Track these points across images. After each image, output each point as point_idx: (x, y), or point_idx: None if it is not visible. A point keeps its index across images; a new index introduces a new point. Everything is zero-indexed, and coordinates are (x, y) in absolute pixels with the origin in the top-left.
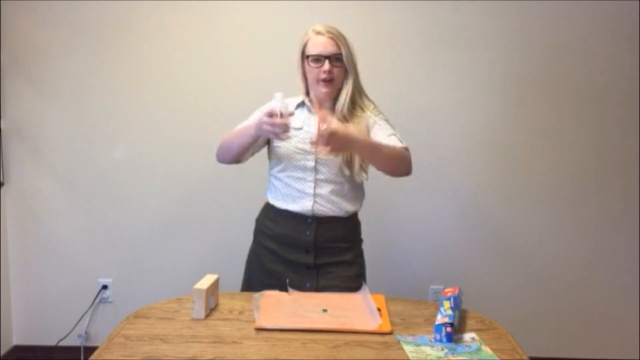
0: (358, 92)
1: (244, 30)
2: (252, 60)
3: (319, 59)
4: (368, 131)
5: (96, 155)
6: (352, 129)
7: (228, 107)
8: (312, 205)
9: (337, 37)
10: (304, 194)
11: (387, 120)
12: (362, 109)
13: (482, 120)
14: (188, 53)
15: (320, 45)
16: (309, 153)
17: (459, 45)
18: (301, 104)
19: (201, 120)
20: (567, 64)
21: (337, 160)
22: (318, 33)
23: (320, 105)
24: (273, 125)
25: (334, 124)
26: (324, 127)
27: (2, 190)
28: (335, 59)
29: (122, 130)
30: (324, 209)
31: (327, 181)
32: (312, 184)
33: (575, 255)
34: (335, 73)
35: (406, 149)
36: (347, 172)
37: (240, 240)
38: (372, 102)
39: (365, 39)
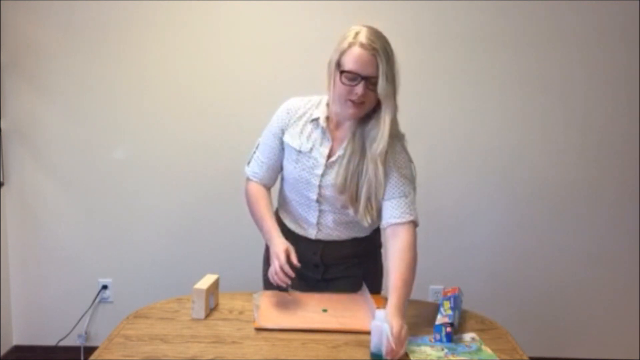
0: (395, 127)
1: (246, 30)
2: (254, 61)
3: (354, 77)
4: (387, 170)
5: (96, 155)
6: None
7: (228, 107)
8: (316, 234)
9: (381, 56)
10: (308, 222)
11: (407, 167)
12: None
13: (481, 120)
14: (188, 52)
15: (359, 61)
16: (313, 185)
17: (458, 46)
18: (315, 121)
19: (201, 120)
20: (567, 65)
21: (340, 198)
22: (361, 45)
23: (338, 124)
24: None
25: (396, 328)
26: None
27: (2, 190)
28: (372, 82)
29: (122, 130)
30: (330, 237)
31: (331, 212)
32: (316, 213)
33: (575, 256)
34: (368, 97)
35: (414, 222)
36: (351, 212)
37: (241, 240)
38: (402, 134)
39: None
